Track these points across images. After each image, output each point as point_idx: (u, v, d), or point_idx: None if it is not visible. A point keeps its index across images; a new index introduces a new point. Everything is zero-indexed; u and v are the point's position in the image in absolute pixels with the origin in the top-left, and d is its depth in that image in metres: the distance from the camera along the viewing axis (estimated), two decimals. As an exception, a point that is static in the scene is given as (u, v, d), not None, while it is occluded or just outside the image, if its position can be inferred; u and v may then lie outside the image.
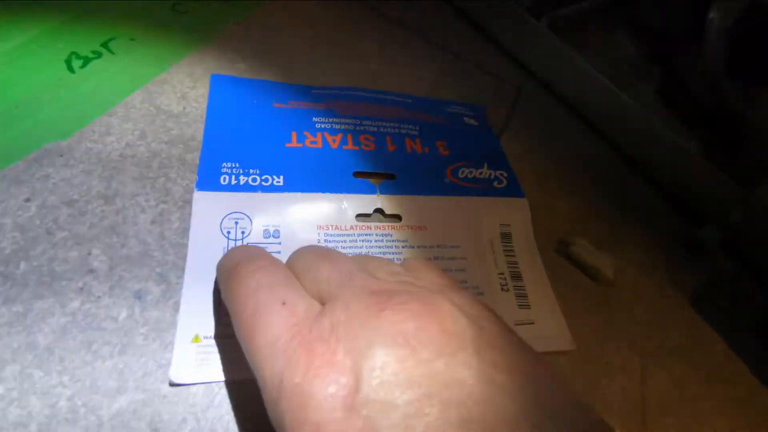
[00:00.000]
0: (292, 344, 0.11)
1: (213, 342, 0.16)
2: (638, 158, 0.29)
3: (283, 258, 0.15)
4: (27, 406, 0.14)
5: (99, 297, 0.16)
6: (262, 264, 0.14)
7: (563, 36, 0.30)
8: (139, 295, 0.17)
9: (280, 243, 0.18)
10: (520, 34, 0.32)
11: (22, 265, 0.17)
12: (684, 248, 0.27)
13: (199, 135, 0.22)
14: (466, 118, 0.27)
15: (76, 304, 0.16)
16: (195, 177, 0.20)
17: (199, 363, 0.16)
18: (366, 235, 0.20)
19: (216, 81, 0.24)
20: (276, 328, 0.12)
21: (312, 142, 0.22)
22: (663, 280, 0.25)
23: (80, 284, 0.17)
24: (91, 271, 0.17)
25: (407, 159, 0.23)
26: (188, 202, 0.20)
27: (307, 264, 0.14)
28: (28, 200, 0.18)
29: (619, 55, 0.33)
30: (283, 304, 0.12)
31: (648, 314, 0.23)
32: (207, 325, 0.16)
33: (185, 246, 0.18)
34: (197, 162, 0.21)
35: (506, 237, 0.23)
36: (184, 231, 0.19)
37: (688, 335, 0.23)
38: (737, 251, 0.27)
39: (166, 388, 0.15)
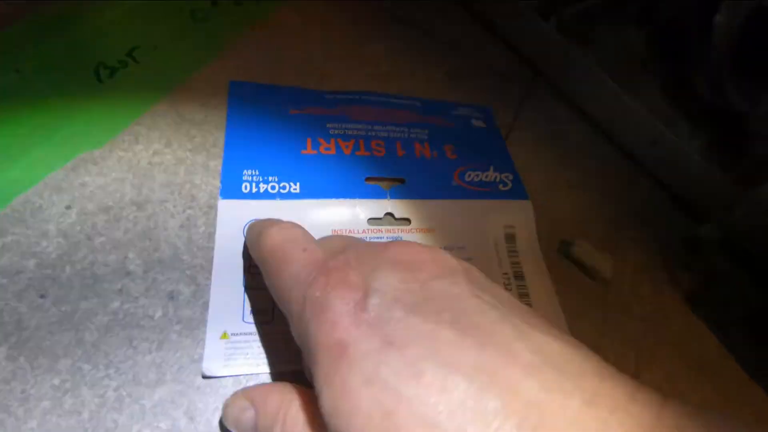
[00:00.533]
0: (312, 273, 0.14)
1: (239, 338, 0.18)
2: (642, 158, 0.30)
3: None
4: (79, 395, 0.16)
5: (136, 297, 0.18)
6: (288, 225, 0.17)
7: (571, 34, 0.31)
8: (171, 296, 0.19)
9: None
10: (529, 34, 0.32)
11: (68, 269, 0.18)
12: (683, 246, 0.28)
13: (221, 142, 0.23)
14: (474, 121, 0.28)
15: (116, 304, 0.18)
16: (218, 183, 0.22)
17: (227, 357, 0.17)
18: (378, 238, 0.22)
19: (234, 88, 0.25)
20: (299, 264, 0.14)
21: (326, 149, 0.23)
22: (660, 278, 0.26)
23: (119, 286, 0.18)
24: (128, 273, 0.19)
25: (416, 163, 0.24)
26: (212, 207, 0.21)
27: (323, 237, 0.17)
28: (68, 207, 0.20)
29: (627, 53, 0.34)
30: (304, 250, 0.15)
31: (644, 312, 0.25)
32: (234, 323, 0.18)
33: (211, 249, 0.20)
34: (219, 168, 0.22)
35: (510, 238, 0.24)
36: (210, 235, 0.20)
37: (682, 332, 0.25)
38: (735, 250, 0.28)
39: (199, 380, 0.17)
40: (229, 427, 0.15)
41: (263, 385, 0.16)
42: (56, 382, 0.16)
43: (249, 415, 0.14)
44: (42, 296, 0.17)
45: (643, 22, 0.33)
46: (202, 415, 0.16)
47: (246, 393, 0.15)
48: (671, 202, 0.29)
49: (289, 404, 0.14)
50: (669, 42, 0.33)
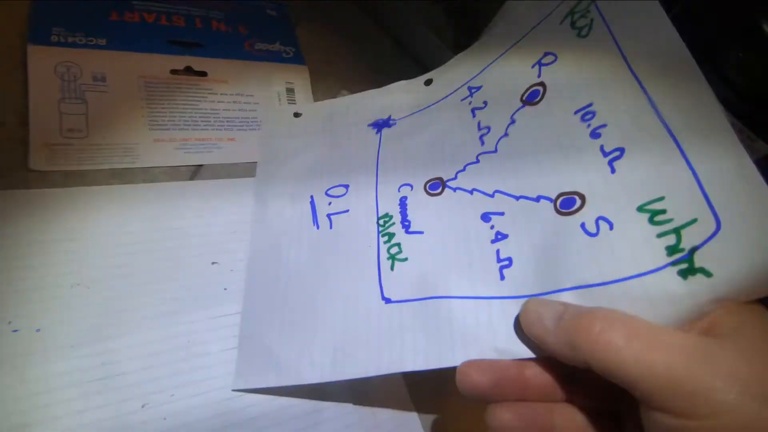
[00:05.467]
0: None
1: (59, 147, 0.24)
2: (401, 39, 0.40)
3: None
4: None
5: None
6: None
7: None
8: (-2, 120, 0.24)
9: (107, 86, 0.26)
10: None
11: None
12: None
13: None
14: (268, 10, 0.35)
15: None
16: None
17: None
18: (178, 85, 0.29)
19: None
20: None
21: (130, 17, 0.29)
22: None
23: None
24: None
25: (213, 34, 0.31)
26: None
27: None
28: None
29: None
30: None
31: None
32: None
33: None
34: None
35: (290, 91, 0.32)
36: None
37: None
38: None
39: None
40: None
41: None
42: None
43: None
44: None
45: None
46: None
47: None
48: (417, 67, 0.40)
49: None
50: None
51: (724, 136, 0.15)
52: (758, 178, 0.14)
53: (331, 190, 0.27)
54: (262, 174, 0.29)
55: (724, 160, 0.15)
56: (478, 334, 0.18)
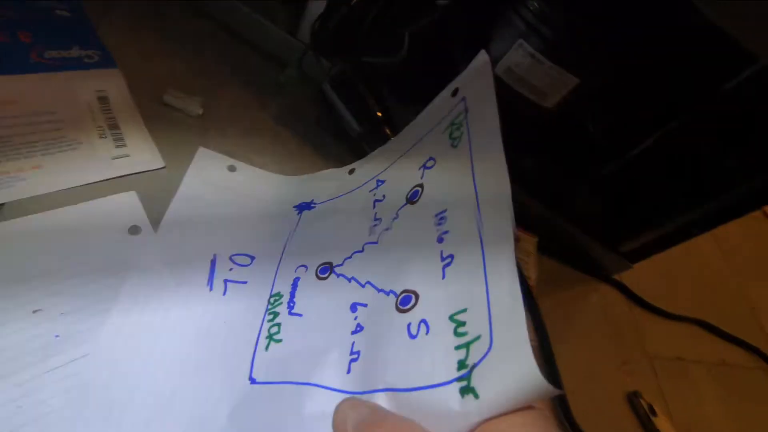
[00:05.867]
0: None
1: None
2: (227, 25, 0.38)
3: None
4: None
5: None
6: None
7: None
8: None
9: None
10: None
11: None
12: (271, 85, 0.37)
13: None
14: (58, 11, 0.31)
15: None
16: None
17: None
18: (-54, 115, 0.24)
19: None
20: None
21: None
22: (253, 107, 0.35)
23: None
24: None
25: (-17, 49, 0.26)
26: None
27: None
28: None
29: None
30: None
31: (238, 130, 0.33)
32: None
33: None
34: None
35: (103, 100, 0.29)
36: None
37: (272, 141, 0.35)
38: (310, 83, 0.39)
39: None
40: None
41: None
42: None
43: None
44: None
45: None
46: None
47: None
48: (262, 59, 0.38)
49: None
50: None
51: (508, 265, 0.15)
52: (521, 313, 0.14)
53: (237, 257, 0.26)
54: (173, 212, 0.26)
55: (506, 288, 0.15)
56: (307, 427, 0.18)
